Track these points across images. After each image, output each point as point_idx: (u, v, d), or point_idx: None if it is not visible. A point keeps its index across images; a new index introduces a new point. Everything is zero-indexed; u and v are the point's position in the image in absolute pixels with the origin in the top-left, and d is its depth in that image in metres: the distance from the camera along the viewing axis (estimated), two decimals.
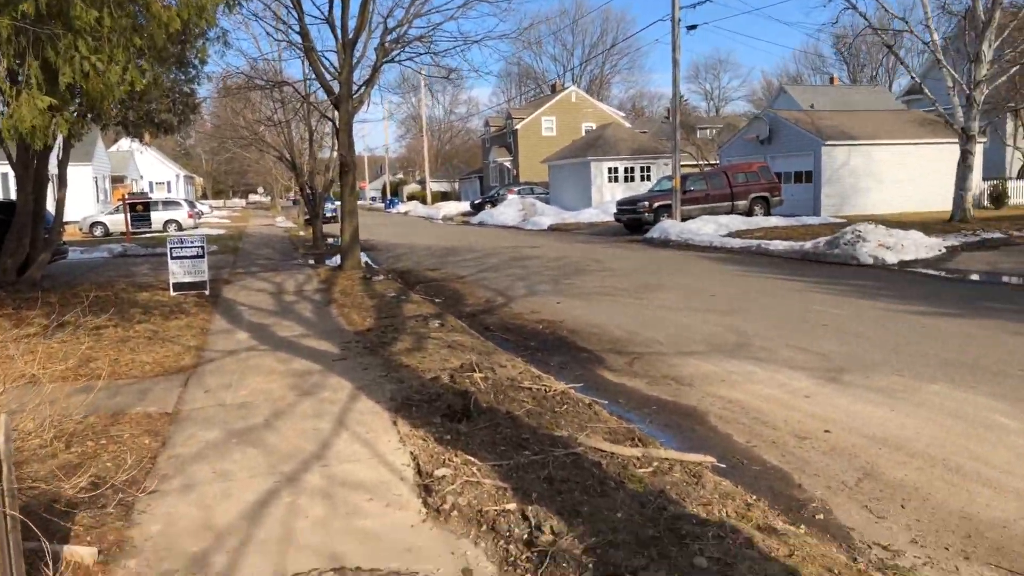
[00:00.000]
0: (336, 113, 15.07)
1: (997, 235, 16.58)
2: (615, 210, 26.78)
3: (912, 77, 19.35)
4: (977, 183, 28.08)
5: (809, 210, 26.56)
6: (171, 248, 13.37)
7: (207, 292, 13.29)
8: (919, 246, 14.82)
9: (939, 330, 8.31)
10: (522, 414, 5.33)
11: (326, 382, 6.77)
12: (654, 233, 22.28)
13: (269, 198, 72.32)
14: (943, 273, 12.96)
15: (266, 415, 5.85)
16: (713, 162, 36.06)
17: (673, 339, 8.50)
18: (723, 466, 4.61)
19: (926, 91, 19.38)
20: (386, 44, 14.80)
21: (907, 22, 18.53)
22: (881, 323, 8.79)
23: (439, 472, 4.26)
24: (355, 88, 15.06)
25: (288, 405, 6.10)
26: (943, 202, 27.25)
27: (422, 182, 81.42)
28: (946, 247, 15.18)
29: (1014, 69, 18.68)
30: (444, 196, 72.73)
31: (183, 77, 16.02)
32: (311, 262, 19.94)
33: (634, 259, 17.34)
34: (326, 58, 15.01)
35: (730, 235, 21.15)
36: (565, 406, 5.68)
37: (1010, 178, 29.73)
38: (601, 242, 23.02)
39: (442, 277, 15.50)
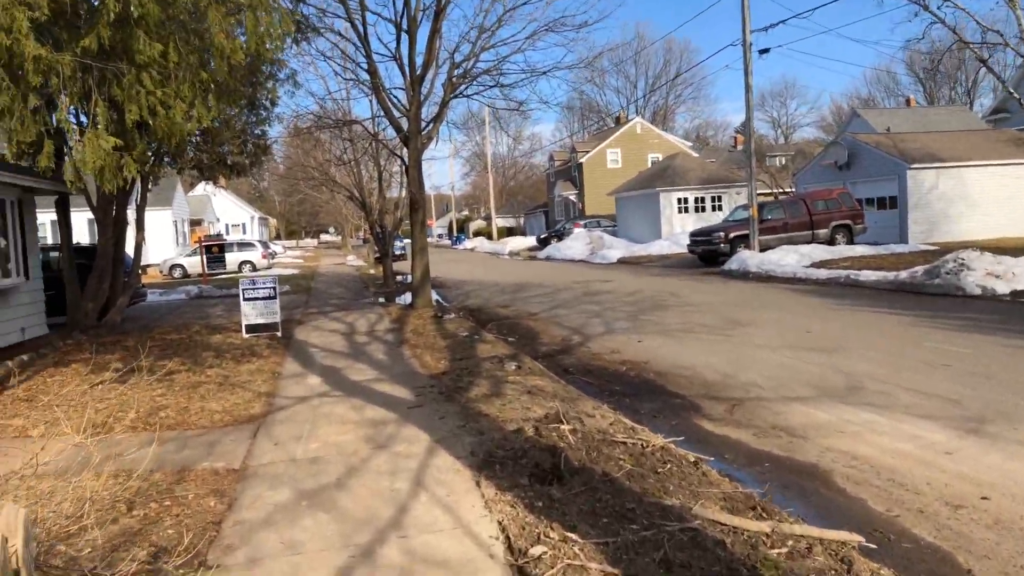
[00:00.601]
0: (405, 150, 14.90)
1: None
2: (688, 241, 25.92)
3: (1009, 92, 18.08)
4: None
5: (895, 238, 25.14)
6: (243, 290, 13.30)
7: (279, 333, 13.14)
8: None
9: None
10: (621, 476, 4.72)
11: (401, 433, 6.30)
12: (732, 264, 21.36)
13: (340, 237, 73.77)
14: None
15: (339, 472, 5.40)
16: (788, 190, 34.84)
17: (773, 382, 7.74)
18: (872, 546, 3.88)
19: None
20: (454, 79, 14.60)
21: (1002, 35, 17.38)
22: (1012, 363, 7.84)
23: (534, 550, 3.69)
24: (423, 125, 14.89)
25: (361, 460, 5.65)
26: None
27: (487, 218, 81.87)
28: None
29: None
30: (510, 231, 72.84)
31: (254, 119, 16.21)
32: (382, 300, 19.78)
33: (714, 293, 16.51)
34: (394, 96, 14.93)
35: (813, 265, 20.07)
36: (668, 465, 5.04)
37: None
38: (675, 275, 22.20)
39: (514, 315, 15.01)
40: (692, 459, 5.24)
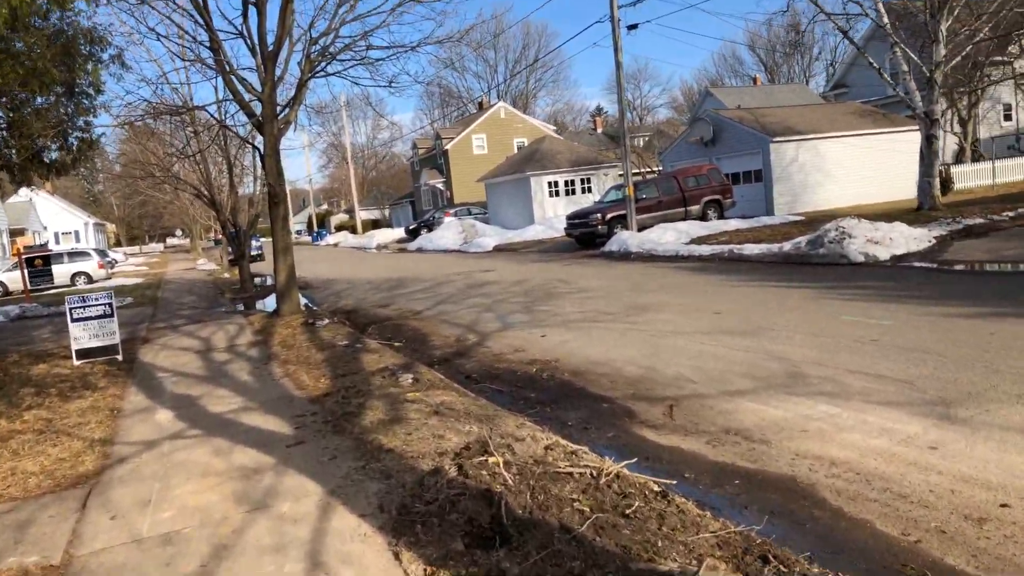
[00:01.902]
0: (259, 138, 13.14)
1: (979, 220, 15.83)
2: (565, 225, 25.41)
3: (871, 63, 18.55)
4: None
5: (761, 210, 25.78)
6: (71, 309, 11.19)
7: (119, 357, 11.17)
8: (908, 239, 13.83)
9: (1018, 336, 7.02)
10: (586, 528, 3.65)
11: (283, 484, 4.95)
12: (612, 246, 20.96)
13: (188, 240, 68.59)
14: (952, 267, 11.89)
15: (203, 555, 4.02)
16: (655, 168, 35.24)
17: (704, 374, 6.96)
18: None
19: (884, 76, 18.67)
20: (311, 56, 12.98)
21: (862, 5, 17.79)
22: (940, 333, 7.47)
23: None
24: (279, 109, 13.17)
25: (234, 532, 4.27)
26: (895, 192, 27.01)
27: (350, 211, 78.90)
28: (935, 237, 14.25)
29: (969, 48, 18.13)
30: (375, 224, 70.56)
31: (74, 108, 13.84)
32: (241, 307, 17.81)
33: (602, 276, 15.88)
34: (243, 78, 13.08)
35: (693, 242, 19.99)
36: (633, 502, 4.03)
37: (948, 164, 29.75)
38: (557, 260, 21.54)
39: (396, 315, 13.68)
40: (657, 489, 4.26)
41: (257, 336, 12.02)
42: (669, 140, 47.14)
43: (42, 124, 11.25)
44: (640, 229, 22.10)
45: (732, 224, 22.43)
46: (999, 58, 26.18)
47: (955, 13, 17.30)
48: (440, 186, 52.75)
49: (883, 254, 13.30)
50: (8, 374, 10.61)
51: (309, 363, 9.14)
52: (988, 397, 5.43)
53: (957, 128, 29.54)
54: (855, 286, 11.00)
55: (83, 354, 11.20)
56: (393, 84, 12.92)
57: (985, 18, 17.34)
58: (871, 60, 18.55)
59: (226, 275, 29.71)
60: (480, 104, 57.92)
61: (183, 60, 13.63)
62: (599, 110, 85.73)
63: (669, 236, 20.85)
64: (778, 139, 25.36)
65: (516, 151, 48.17)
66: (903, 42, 18.47)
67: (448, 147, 50.29)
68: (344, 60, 13.61)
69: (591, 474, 4.43)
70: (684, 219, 23.76)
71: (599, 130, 66.19)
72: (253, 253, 28.55)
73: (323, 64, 13.18)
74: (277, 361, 9.63)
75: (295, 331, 11.90)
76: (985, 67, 26.24)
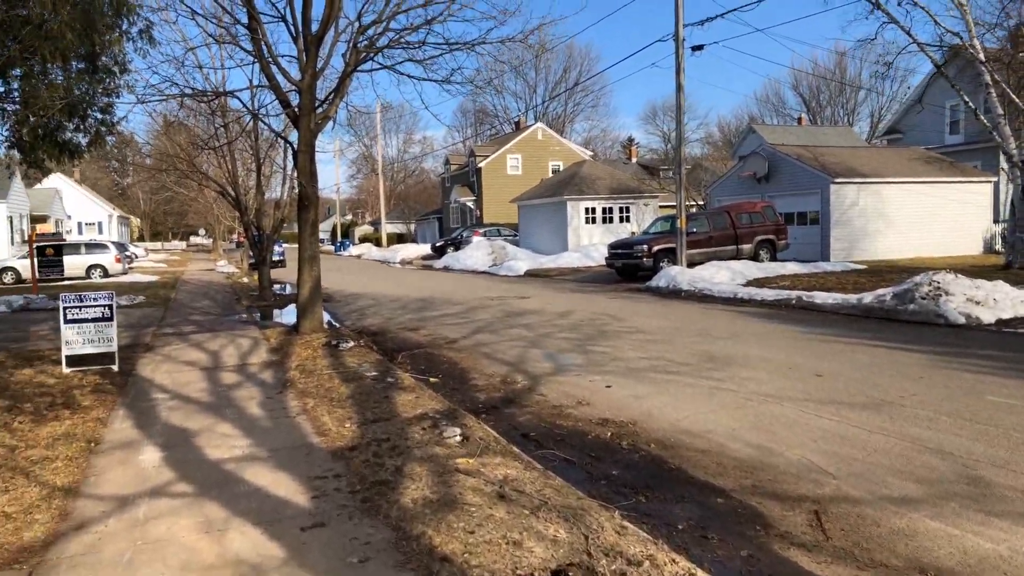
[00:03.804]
0: (293, 134, 11.80)
1: None
2: (607, 254, 23.88)
3: (964, 100, 17.03)
4: (987, 227, 26.24)
5: (815, 255, 24.13)
6: (65, 308, 9.83)
7: (115, 368, 9.77)
8: (1014, 301, 12.17)
9: None
10: None
11: None
12: (659, 281, 19.39)
13: (211, 240, 67.83)
14: None
15: None
16: (699, 202, 33.71)
17: (842, 465, 5.38)
18: None
19: (982, 119, 17.07)
20: (359, 46, 11.65)
21: (961, 37, 16.27)
22: None
23: None
24: (317, 102, 11.84)
25: None
26: (959, 247, 25.29)
27: (375, 223, 77.97)
28: None
29: None
30: (399, 238, 69.52)
31: (95, 85, 12.60)
32: (257, 317, 16.42)
33: (656, 315, 14.31)
34: (282, 66, 11.77)
35: (750, 284, 18.41)
36: None
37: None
38: (598, 291, 20.00)
39: (428, 342, 12.18)
40: None
41: (273, 355, 10.57)
42: (710, 174, 45.62)
43: (55, 94, 9.93)
44: (689, 265, 20.54)
45: (790, 267, 20.81)
46: None
47: None
48: (470, 204, 51.49)
49: (987, 316, 11.65)
50: None
51: (331, 398, 7.64)
52: None
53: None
54: (973, 354, 9.35)
55: (74, 361, 9.82)
56: (450, 81, 11.54)
57: None
58: (966, 99, 16.96)
59: (245, 279, 28.47)
60: (517, 124, 56.78)
61: (217, 42, 12.37)
62: (631, 140, 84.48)
63: (723, 275, 19.27)
64: (840, 180, 23.75)
65: (551, 174, 46.86)
66: (993, 84, 16.92)
67: (482, 165, 49.07)
68: (391, 55, 12.29)
69: None
70: (735, 257, 22.18)
71: (633, 160, 64.83)
72: (275, 259, 27.27)
73: (370, 56, 11.85)
74: (294, 391, 8.14)
75: (316, 353, 10.43)
76: None
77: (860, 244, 24.24)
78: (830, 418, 6.55)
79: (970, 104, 17.07)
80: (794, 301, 14.91)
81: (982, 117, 17.02)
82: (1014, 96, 16.25)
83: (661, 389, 7.99)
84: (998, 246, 25.42)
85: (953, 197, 25.27)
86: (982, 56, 16.30)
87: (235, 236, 61.34)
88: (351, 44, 11.67)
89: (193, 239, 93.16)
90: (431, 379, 9.05)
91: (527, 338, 11.95)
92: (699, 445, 6.04)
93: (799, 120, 56.85)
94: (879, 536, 4.23)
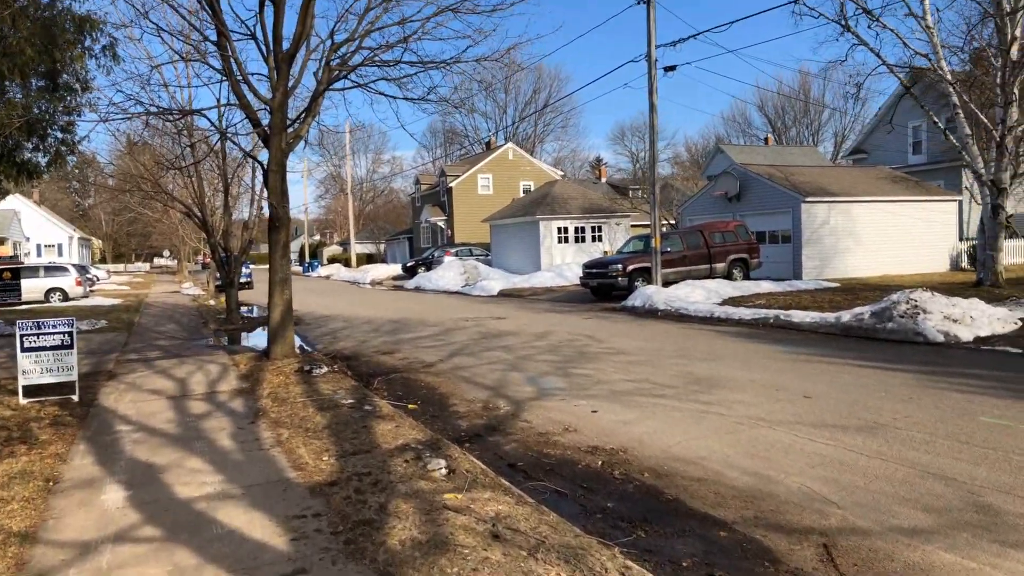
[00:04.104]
0: (264, 152, 11.46)
1: None
2: (581, 274, 23.75)
3: (933, 120, 17.30)
4: (953, 244, 26.68)
5: (787, 273, 24.28)
6: (22, 336, 9.35)
7: (75, 398, 9.30)
8: (991, 318, 12.24)
9: None
10: None
11: None
12: (635, 301, 19.28)
13: (176, 262, 66.55)
14: None
15: None
16: (670, 221, 33.84)
17: (845, 493, 5.19)
18: None
19: (950, 138, 17.31)
20: (331, 64, 11.40)
21: (929, 59, 16.49)
22: None
23: None
24: (288, 122, 11.54)
25: None
26: (926, 264, 25.65)
27: (344, 243, 77.25)
28: (1020, 319, 12.64)
29: None
30: (369, 258, 68.88)
31: (57, 104, 12.15)
32: (225, 341, 15.95)
33: (635, 335, 14.15)
34: (252, 84, 11.45)
35: (726, 303, 18.37)
36: None
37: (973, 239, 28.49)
38: (574, 311, 19.82)
39: (404, 366, 11.85)
40: None
41: (243, 382, 10.16)
42: (679, 194, 45.94)
43: (11, 112, 9.51)
44: (664, 284, 20.48)
45: (764, 286, 20.86)
46: None
47: None
48: (441, 224, 51.22)
49: (965, 334, 11.68)
50: None
51: (307, 428, 7.29)
52: None
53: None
54: (958, 373, 9.30)
55: (32, 391, 9.33)
56: (426, 100, 11.31)
57: None
58: (935, 119, 17.21)
59: (211, 302, 27.80)
60: (488, 144, 56.80)
61: (184, 60, 12.01)
62: (599, 160, 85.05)
63: (698, 294, 19.23)
64: (811, 199, 23.97)
65: (522, 194, 46.86)
66: (960, 104, 17.19)
67: (452, 184, 48.90)
68: (364, 73, 12.07)
69: None
70: (708, 276, 22.20)
71: (603, 179, 65.19)
72: (242, 281, 26.72)
73: (343, 74, 11.60)
74: (267, 421, 7.77)
75: (288, 380, 10.05)
76: None
77: (831, 262, 24.46)
78: (825, 442, 6.38)
79: (938, 124, 17.33)
80: (772, 320, 14.86)
81: (951, 137, 17.27)
82: (981, 116, 16.51)
83: (649, 413, 7.77)
84: (964, 263, 25.85)
85: (919, 216, 25.66)
86: (949, 77, 16.56)
87: (200, 257, 60.30)
88: (324, 62, 11.42)
89: (157, 261, 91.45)
90: (409, 405, 8.74)
91: (506, 361, 11.69)
92: (694, 473, 5.82)
93: (766, 140, 57.76)
94: (894, 571, 4.03)
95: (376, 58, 11.61)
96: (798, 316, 14.56)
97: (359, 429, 7.14)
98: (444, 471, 5.69)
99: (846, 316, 13.50)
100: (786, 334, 13.60)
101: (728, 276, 22.57)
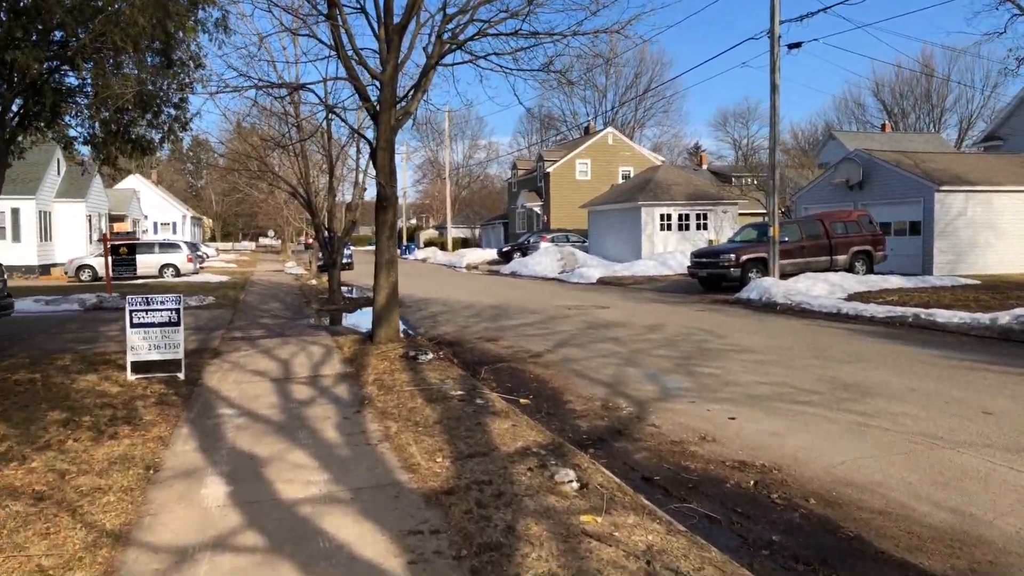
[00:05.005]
0: (374, 128, 10.99)
1: None
2: (689, 263, 22.55)
3: None
4: None
5: (915, 267, 22.31)
6: (131, 312, 9.23)
7: (182, 375, 9.13)
8: None
9: None
10: None
11: None
12: (750, 293, 18.01)
13: (280, 241, 68.69)
14: None
15: None
16: (781, 210, 31.91)
17: None
18: None
19: None
20: (442, 37, 10.80)
21: None
22: None
23: None
24: (396, 98, 11.04)
25: None
26: None
27: (439, 227, 77.81)
28: None
29: None
30: (464, 243, 69.07)
31: (171, 80, 12.08)
32: (327, 322, 15.80)
33: (757, 331, 13.03)
34: (362, 57, 10.99)
35: (852, 298, 16.90)
36: None
37: None
38: (682, 302, 18.74)
39: (510, 355, 11.22)
40: None
41: (347, 366, 9.77)
42: (787, 181, 43.54)
43: (126, 85, 9.36)
44: (780, 277, 19.09)
45: (893, 281, 19.15)
46: None
47: None
48: (537, 209, 50.56)
49: None
50: (47, 384, 8.66)
51: (416, 422, 6.72)
52: None
53: None
54: None
55: (140, 367, 9.22)
56: (549, 70, 10.56)
57: None
58: None
59: (313, 282, 28.13)
60: (586, 128, 55.60)
61: (293, 33, 11.70)
62: (697, 147, 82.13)
63: (820, 288, 17.79)
64: (945, 188, 21.89)
65: (621, 180, 45.58)
66: None
67: (550, 170, 48.09)
68: (474, 48, 11.42)
69: None
70: (829, 269, 20.58)
71: (704, 166, 62.87)
72: (345, 261, 26.86)
73: (454, 48, 10.99)
74: (373, 410, 7.26)
75: (393, 366, 9.58)
76: None
77: (967, 257, 22.30)
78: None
79: None
80: (911, 319, 13.41)
81: None
82: None
83: (797, 424, 6.81)
84: None
85: None
86: None
87: (303, 238, 61.88)
88: (436, 35, 10.84)
89: (262, 240, 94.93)
90: (522, 400, 8.08)
91: (619, 354, 10.86)
92: (873, 504, 4.87)
93: (883, 127, 54.16)
94: None
95: (489, 30, 10.93)
96: (943, 316, 13.06)
97: (473, 427, 6.51)
98: (575, 484, 4.97)
99: (1004, 318, 11.95)
100: (931, 335, 12.19)
101: (850, 269, 20.88)
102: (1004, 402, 7.37)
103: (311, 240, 40.66)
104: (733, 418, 7.08)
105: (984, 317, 12.40)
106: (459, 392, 7.98)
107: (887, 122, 58.26)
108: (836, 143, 51.00)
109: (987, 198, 22.48)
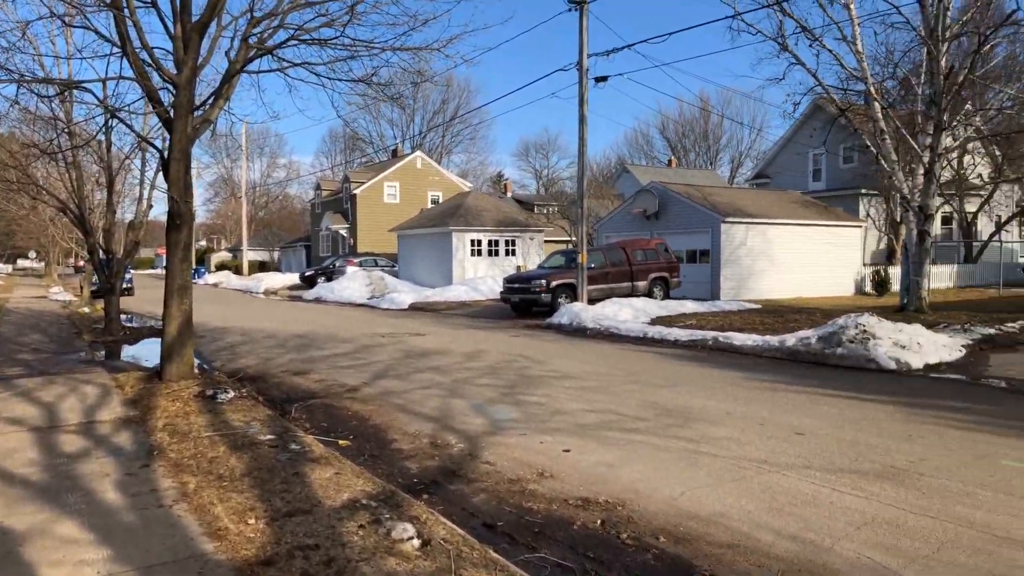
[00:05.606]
0: (166, 136, 9.73)
1: (991, 330, 14.32)
2: (501, 288, 22.70)
3: (868, 145, 17.36)
4: (858, 269, 27.39)
5: (705, 293, 24.12)
6: None
7: None
8: (936, 346, 12.02)
9: None
10: None
11: None
12: (561, 318, 18.37)
13: (43, 264, 60.82)
14: (1010, 384, 9.93)
15: None
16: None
17: (919, 567, 4.28)
18: None
19: (884, 163, 17.37)
20: (248, 41, 9.84)
21: (867, 82, 16.50)
22: None
23: None
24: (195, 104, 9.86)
25: None
26: (835, 286, 26.18)
27: (233, 250, 73.11)
28: (962, 347, 12.51)
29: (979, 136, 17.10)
30: (262, 266, 65.51)
31: None
32: (103, 355, 13.87)
33: (573, 356, 13.17)
34: (156, 56, 9.70)
35: (655, 322, 17.77)
36: None
37: (877, 264, 29.47)
38: (496, 327, 18.69)
39: (322, 389, 10.36)
40: None
41: (130, 409, 8.42)
42: (590, 211, 45.73)
43: None
44: (588, 302, 19.70)
45: (688, 306, 20.46)
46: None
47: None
48: (344, 232, 49.02)
49: (915, 361, 11.37)
50: None
51: (220, 475, 5.79)
52: None
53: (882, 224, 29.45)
54: (934, 405, 8.78)
55: None
56: (369, 83, 9.90)
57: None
58: (869, 143, 17.31)
59: (85, 309, 24.93)
60: (394, 151, 54.99)
61: (64, 21, 10.13)
62: (500, 175, 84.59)
63: (626, 313, 18.55)
64: (730, 219, 23.94)
65: (430, 204, 45.51)
66: (890, 131, 17.38)
67: (357, 191, 46.87)
68: (285, 55, 10.58)
69: None
70: (630, 294, 21.62)
71: (508, 194, 64.65)
72: (124, 286, 24.10)
73: (261, 54, 10.07)
74: (165, 463, 6.19)
75: (188, 406, 8.39)
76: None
77: (747, 283, 24.48)
78: (852, 494, 5.50)
79: (870, 147, 17.43)
80: (711, 342, 14.25)
81: (883, 161, 17.35)
82: (912, 142, 16.68)
83: (630, 454, 6.72)
84: (867, 287, 26.53)
85: (829, 240, 26.21)
86: (879, 102, 16.65)
87: (73, 260, 55.27)
88: (241, 38, 9.85)
89: (21, 262, 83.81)
90: (341, 442, 7.35)
91: (442, 385, 10.40)
92: (720, 537, 4.78)
93: (669, 162, 58.89)
94: None
95: (303, 36, 10.14)
96: (738, 339, 14.00)
97: (289, 478, 5.70)
98: (416, 541, 4.40)
99: (791, 340, 13.02)
100: (730, 358, 12.97)
101: (649, 295, 22.09)
102: (810, 422, 7.82)
103: (83, 262, 36.33)
104: (567, 450, 6.85)
105: (774, 339, 13.43)
106: (269, 436, 7.08)
107: (672, 157, 63.47)
108: (629, 176, 54.65)
109: (763, 229, 24.87)
